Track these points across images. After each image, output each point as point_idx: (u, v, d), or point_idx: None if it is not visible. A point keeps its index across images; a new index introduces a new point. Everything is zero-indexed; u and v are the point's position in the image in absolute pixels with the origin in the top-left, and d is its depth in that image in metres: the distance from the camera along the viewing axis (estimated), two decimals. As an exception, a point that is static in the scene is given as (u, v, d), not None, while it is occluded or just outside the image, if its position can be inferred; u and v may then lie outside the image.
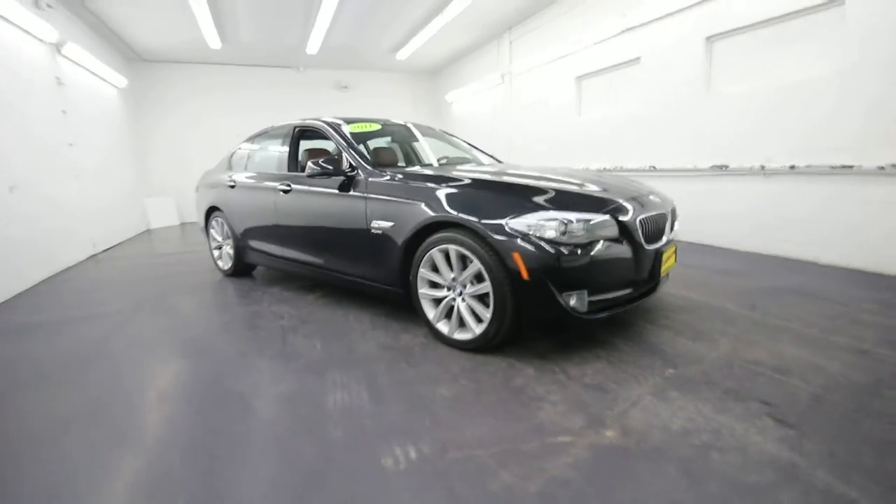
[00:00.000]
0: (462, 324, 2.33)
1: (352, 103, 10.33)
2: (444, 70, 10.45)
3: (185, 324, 3.00)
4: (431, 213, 2.33)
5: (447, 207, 2.29)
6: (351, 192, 2.80)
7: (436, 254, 2.35)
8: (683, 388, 1.88)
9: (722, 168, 4.44)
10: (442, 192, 2.37)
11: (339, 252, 2.98)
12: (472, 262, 2.20)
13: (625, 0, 5.33)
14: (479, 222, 2.14)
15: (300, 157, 3.49)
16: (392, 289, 2.68)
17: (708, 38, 4.48)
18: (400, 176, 2.64)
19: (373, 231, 2.65)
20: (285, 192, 3.33)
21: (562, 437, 1.58)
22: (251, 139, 4.18)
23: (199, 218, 4.62)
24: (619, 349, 2.27)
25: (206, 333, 2.80)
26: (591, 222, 2.06)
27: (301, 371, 2.21)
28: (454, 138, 4.05)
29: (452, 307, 2.36)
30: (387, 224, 2.57)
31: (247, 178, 3.86)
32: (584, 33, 5.99)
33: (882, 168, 3.26)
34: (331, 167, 2.83)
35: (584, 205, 2.17)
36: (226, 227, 4.12)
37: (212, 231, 4.38)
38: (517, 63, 7.63)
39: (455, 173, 2.59)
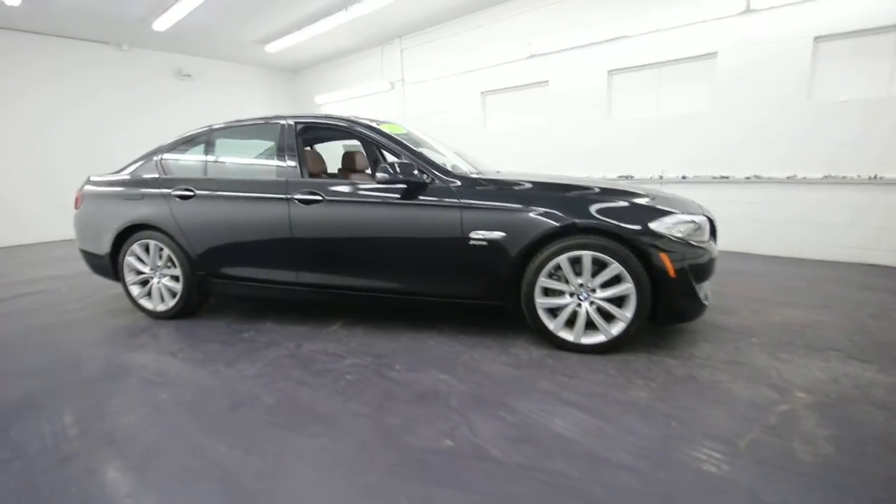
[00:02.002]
0: (585, 328, 2.38)
1: (193, 96, 8.57)
2: (313, 69, 9.66)
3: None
4: (562, 220, 2.31)
5: (594, 213, 2.30)
6: (428, 201, 2.50)
7: (563, 261, 2.33)
8: (779, 350, 2.40)
9: (627, 178, 5.51)
10: (562, 199, 2.38)
11: (408, 269, 2.61)
12: (609, 265, 2.28)
13: (530, 29, 6.04)
14: (624, 227, 2.24)
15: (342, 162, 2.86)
16: (492, 303, 2.51)
17: (610, 72, 5.50)
18: (493, 182, 2.51)
19: (472, 242, 2.43)
20: (307, 202, 2.68)
21: (779, 404, 1.86)
22: (205, 137, 3.19)
23: (96, 243, 3.27)
24: (699, 331, 2.69)
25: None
26: (703, 222, 2.40)
27: (476, 412, 1.90)
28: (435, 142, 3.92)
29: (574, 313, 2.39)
30: (495, 234, 2.40)
31: (219, 185, 2.96)
32: (489, 52, 6.50)
33: (748, 178, 4.65)
34: (407, 174, 2.47)
35: (685, 207, 2.49)
36: (165, 253, 3.02)
37: (129, 260, 3.13)
38: (411, 72, 7.69)
39: (543, 180, 2.60)
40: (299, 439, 1.72)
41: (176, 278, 3.09)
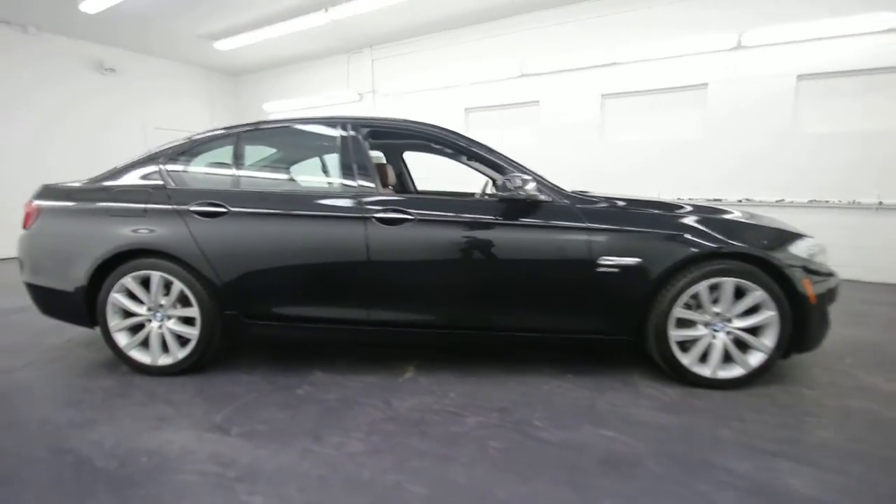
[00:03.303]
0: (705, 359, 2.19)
1: (113, 95, 7.22)
2: (263, 74, 8.73)
3: None
4: (703, 245, 2.11)
5: (736, 237, 2.13)
6: (545, 222, 2.17)
7: (703, 288, 2.13)
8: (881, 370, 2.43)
9: (622, 199, 5.62)
10: (701, 221, 2.19)
11: (521, 301, 2.22)
12: (750, 292, 2.12)
13: (522, 48, 6.01)
14: (772, 252, 2.11)
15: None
16: (617, 337, 2.22)
17: (603, 95, 5.63)
18: (619, 202, 2.25)
19: (601, 269, 2.13)
20: (390, 221, 2.18)
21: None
22: (230, 140, 2.50)
23: (59, 276, 2.38)
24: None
25: None
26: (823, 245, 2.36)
27: (694, 479, 1.58)
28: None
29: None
30: (628, 260, 2.12)
31: (265, 200, 2.32)
32: (476, 69, 6.34)
33: (740, 201, 4.97)
34: (525, 191, 2.10)
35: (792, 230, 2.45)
36: (176, 287, 2.27)
37: (115, 298, 2.30)
38: (385, 84, 7.25)
39: (664, 201, 2.43)
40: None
41: (188, 321, 2.34)
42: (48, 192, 2.51)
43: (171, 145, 2.49)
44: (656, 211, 2.26)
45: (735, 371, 2.21)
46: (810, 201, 4.67)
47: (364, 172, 2.31)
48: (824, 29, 4.35)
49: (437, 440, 1.79)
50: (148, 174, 2.43)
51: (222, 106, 8.90)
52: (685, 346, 2.21)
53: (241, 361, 2.57)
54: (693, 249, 2.12)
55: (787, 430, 1.85)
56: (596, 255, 2.14)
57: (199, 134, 2.50)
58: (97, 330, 2.42)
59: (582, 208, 2.20)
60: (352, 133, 2.39)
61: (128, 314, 2.37)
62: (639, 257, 2.13)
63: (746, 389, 2.20)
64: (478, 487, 1.51)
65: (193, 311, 2.30)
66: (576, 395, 2.17)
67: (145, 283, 2.34)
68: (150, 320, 2.36)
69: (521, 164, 2.31)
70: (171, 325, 2.35)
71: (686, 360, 2.20)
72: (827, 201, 4.58)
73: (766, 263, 2.13)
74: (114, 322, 2.35)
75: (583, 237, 2.15)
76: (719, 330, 2.20)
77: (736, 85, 4.85)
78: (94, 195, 2.43)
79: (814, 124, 4.62)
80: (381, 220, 2.19)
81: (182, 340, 2.36)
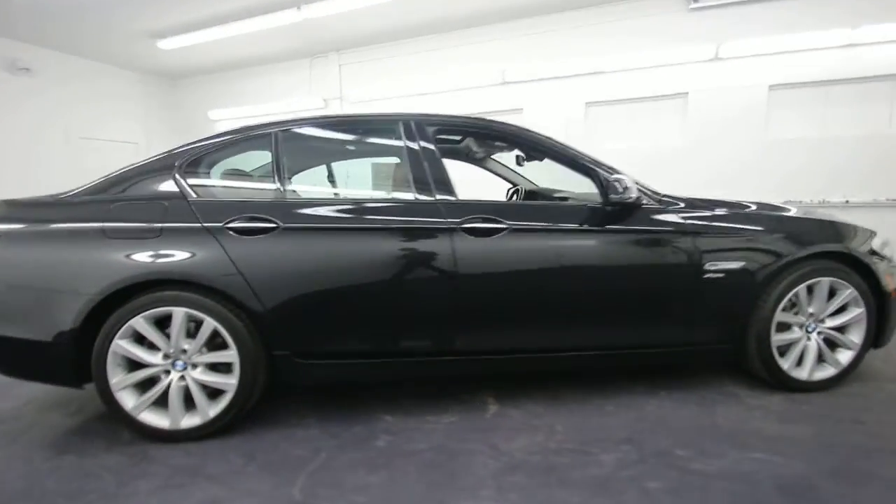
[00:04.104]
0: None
1: (28, 99, 6.08)
2: (208, 78, 7.86)
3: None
4: (805, 246, 2.04)
5: (831, 237, 2.10)
6: (646, 227, 2.00)
7: (802, 290, 2.06)
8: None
9: (609, 204, 5.69)
10: (796, 222, 2.16)
11: (625, 316, 2.02)
12: (840, 291, 2.09)
13: (504, 56, 5.92)
14: (860, 250, 2.09)
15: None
16: (718, 347, 2.09)
17: (587, 103, 5.69)
18: (713, 203, 2.14)
19: (708, 276, 1.98)
20: (481, 232, 1.87)
21: None
22: (267, 139, 2.02)
23: (32, 321, 1.78)
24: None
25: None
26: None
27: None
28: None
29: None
30: (733, 265, 2.00)
31: (326, 212, 1.90)
32: (455, 76, 6.15)
33: (723, 204, 5.21)
34: (629, 193, 1.91)
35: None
36: (207, 326, 1.77)
37: (119, 346, 1.74)
38: (354, 91, 6.81)
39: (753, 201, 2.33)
40: None
41: (220, 368, 1.84)
42: (7, 209, 1.89)
43: (187, 147, 1.98)
44: (755, 211, 2.18)
45: (828, 371, 2.16)
46: (786, 201, 5.00)
47: (439, 176, 1.98)
48: (791, 43, 4.73)
49: (585, 488, 1.50)
50: (157, 184, 1.91)
51: (160, 113, 7.88)
52: (782, 350, 2.14)
53: (279, 410, 2.09)
54: (798, 250, 2.05)
55: (917, 432, 1.81)
56: (703, 261, 2.00)
57: (222, 134, 2.02)
58: (87, 388, 1.84)
59: (682, 211, 2.05)
60: (415, 131, 2.05)
61: (135, 365, 1.82)
62: (743, 261, 2.02)
63: (839, 389, 2.17)
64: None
65: (230, 355, 1.81)
66: (686, 413, 2.00)
67: (162, 324, 1.82)
68: (167, 371, 1.83)
69: (612, 165, 2.12)
70: (198, 374, 1.83)
71: (785, 364, 2.12)
72: (800, 201, 4.94)
73: (854, 260, 2.12)
74: (117, 378, 1.78)
75: (689, 243, 1.99)
76: (812, 331, 2.15)
77: (714, 93, 5.12)
78: (79, 213, 1.86)
79: (783, 131, 5.00)
80: (469, 230, 1.88)
81: (210, 392, 1.86)
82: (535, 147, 2.20)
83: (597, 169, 2.05)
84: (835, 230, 2.17)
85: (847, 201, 4.78)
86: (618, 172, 2.03)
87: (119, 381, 1.79)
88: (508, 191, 3.36)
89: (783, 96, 4.94)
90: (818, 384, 2.15)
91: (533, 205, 2.15)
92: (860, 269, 2.12)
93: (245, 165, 2.04)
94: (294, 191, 2.03)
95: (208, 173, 2.00)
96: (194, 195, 1.89)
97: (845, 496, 1.43)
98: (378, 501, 1.47)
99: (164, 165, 1.94)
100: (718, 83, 5.08)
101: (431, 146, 2.02)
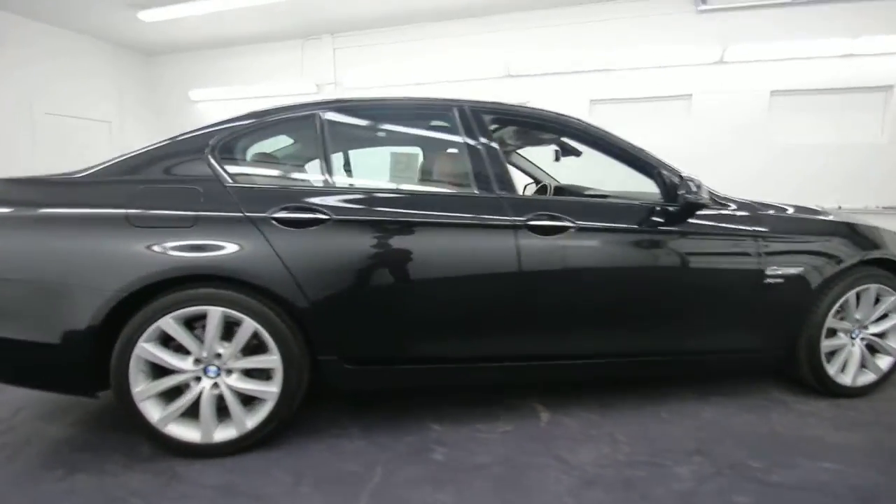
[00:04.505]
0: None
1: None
2: (189, 56, 7.33)
3: None
4: (858, 252, 2.04)
5: (875, 243, 2.10)
6: (711, 228, 1.94)
7: (852, 296, 2.06)
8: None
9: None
10: (845, 227, 2.14)
11: (686, 320, 1.96)
12: (886, 297, 2.10)
13: (508, 48, 5.80)
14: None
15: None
16: (768, 353, 2.06)
17: (592, 101, 5.65)
18: (765, 207, 2.10)
19: (768, 280, 1.94)
20: (546, 230, 1.75)
21: None
22: (310, 120, 1.80)
23: (39, 322, 1.54)
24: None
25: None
26: None
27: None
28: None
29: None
30: (791, 270, 1.96)
31: (376, 203, 1.73)
32: (457, 66, 5.97)
33: (722, 206, 5.30)
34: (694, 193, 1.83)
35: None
36: (247, 327, 1.57)
37: (144, 350, 1.52)
38: (350, 76, 6.52)
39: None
40: None
41: (258, 374, 1.65)
42: (5, 189, 1.62)
43: (219, 127, 1.75)
44: (813, 217, 2.17)
45: (869, 377, 2.17)
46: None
47: (499, 169, 1.84)
48: (794, 50, 4.83)
49: (678, 503, 1.43)
50: (188, 166, 1.69)
51: (135, 91, 7.32)
52: (827, 357, 2.13)
53: (315, 419, 1.91)
54: (854, 256, 2.04)
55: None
56: (764, 265, 1.95)
57: (259, 114, 1.80)
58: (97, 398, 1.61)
59: (744, 214, 2.00)
60: (470, 119, 1.90)
61: (162, 371, 1.61)
62: (801, 266, 1.99)
63: (877, 395, 2.19)
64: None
65: (271, 360, 1.63)
66: (742, 420, 1.95)
67: (192, 325, 1.61)
68: (198, 378, 1.63)
69: (671, 163, 2.04)
70: (234, 381, 1.64)
71: (832, 370, 2.11)
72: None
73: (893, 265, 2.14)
74: (141, 386, 1.56)
75: (753, 246, 1.94)
76: (855, 337, 2.16)
77: (718, 96, 5.18)
78: (96, 196, 1.62)
79: (784, 135, 5.12)
80: (535, 228, 1.76)
81: (245, 401, 1.67)
82: (597, 143, 2.08)
83: (661, 168, 1.97)
84: (880, 236, 2.18)
85: (840, 207, 4.95)
86: (677, 172, 1.96)
87: (143, 389, 1.57)
88: (526, 186, 3.26)
89: (784, 101, 5.05)
90: (860, 390, 2.16)
91: (598, 203, 2.04)
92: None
93: (283, 149, 1.84)
94: (340, 179, 1.85)
95: (245, 156, 1.80)
96: (230, 181, 1.68)
97: (929, 508, 1.42)
98: (455, 524, 1.35)
99: (194, 146, 1.71)
100: (722, 86, 5.15)
101: (490, 136, 1.88)
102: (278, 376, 1.65)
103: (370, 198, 1.76)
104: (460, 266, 1.73)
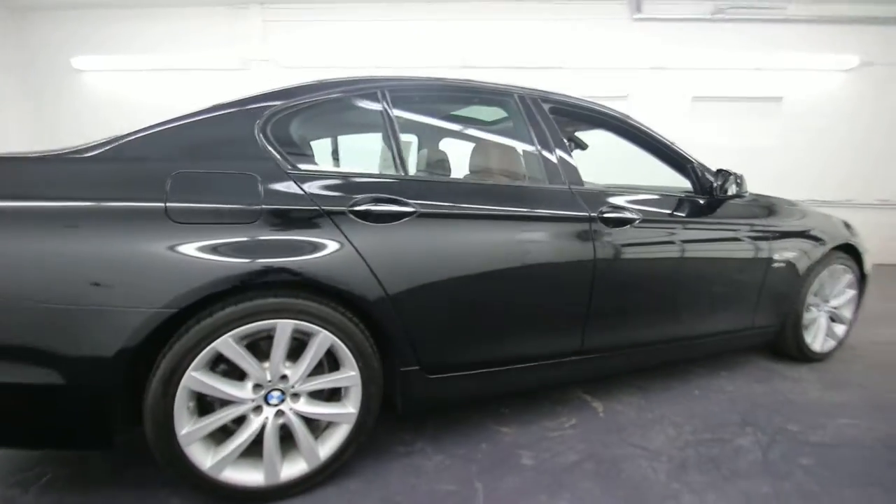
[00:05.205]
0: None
1: None
2: (78, 14, 5.94)
3: None
4: (832, 238, 2.41)
5: (842, 231, 2.50)
6: (736, 219, 2.14)
7: (826, 276, 2.42)
8: None
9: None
10: (816, 215, 2.50)
11: (711, 304, 2.14)
12: (842, 275, 2.52)
13: (464, 38, 5.72)
14: (857, 241, 2.52)
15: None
16: (769, 329, 2.33)
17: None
18: (761, 197, 2.35)
19: (775, 265, 2.19)
20: (618, 223, 1.74)
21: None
22: (372, 95, 1.58)
23: (31, 354, 1.12)
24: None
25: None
26: None
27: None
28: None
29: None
30: (789, 255, 2.24)
31: (461, 195, 1.59)
32: (409, 53, 5.74)
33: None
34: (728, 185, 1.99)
35: None
36: (319, 342, 1.32)
37: (195, 379, 1.19)
38: (284, 53, 5.87)
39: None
40: None
41: (325, 395, 1.40)
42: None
43: (267, 100, 1.42)
44: (804, 207, 2.48)
45: (830, 343, 2.58)
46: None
47: (566, 160, 1.80)
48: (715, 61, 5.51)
49: (761, 475, 1.53)
50: (229, 146, 1.34)
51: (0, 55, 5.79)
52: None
53: (375, 439, 1.68)
54: (832, 242, 2.39)
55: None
56: (773, 251, 2.19)
57: (313, 87, 1.49)
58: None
59: (754, 206, 2.22)
60: (532, 106, 1.83)
61: (210, 406, 1.28)
62: (797, 251, 2.28)
63: (837, 357, 2.60)
64: None
65: (350, 377, 1.39)
66: (759, 390, 2.19)
67: (258, 344, 1.30)
68: (259, 407, 1.33)
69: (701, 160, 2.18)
70: (302, 406, 1.37)
71: (808, 339, 2.47)
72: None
73: (851, 248, 2.56)
74: (189, 427, 1.23)
75: (763, 234, 2.17)
76: (821, 310, 2.55)
77: (650, 97, 5.70)
78: (117, 181, 1.21)
79: (702, 137, 5.84)
80: (608, 220, 1.75)
81: (316, 429, 1.41)
82: (637, 138, 2.13)
83: (694, 162, 2.10)
84: (844, 224, 2.59)
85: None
86: (695, 166, 2.12)
87: (193, 430, 1.24)
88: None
89: (703, 107, 5.75)
90: (825, 355, 2.56)
91: (655, 196, 2.07)
92: (854, 257, 2.57)
93: (344, 130, 1.56)
94: (414, 168, 1.64)
95: (303, 137, 1.49)
96: (290, 166, 1.39)
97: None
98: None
99: (239, 122, 1.37)
100: (654, 90, 5.69)
101: (554, 125, 1.83)
102: (355, 395, 1.42)
103: (457, 188, 1.62)
104: (544, 260, 1.65)
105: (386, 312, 1.41)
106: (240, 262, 1.23)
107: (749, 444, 1.73)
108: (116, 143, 1.27)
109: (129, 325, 1.14)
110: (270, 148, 1.39)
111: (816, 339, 2.51)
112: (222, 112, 1.40)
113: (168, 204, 1.20)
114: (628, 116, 2.15)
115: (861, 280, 2.61)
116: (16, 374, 1.13)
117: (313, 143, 1.61)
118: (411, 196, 1.46)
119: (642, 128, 2.12)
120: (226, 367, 1.32)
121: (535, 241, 1.64)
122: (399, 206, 1.43)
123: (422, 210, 1.46)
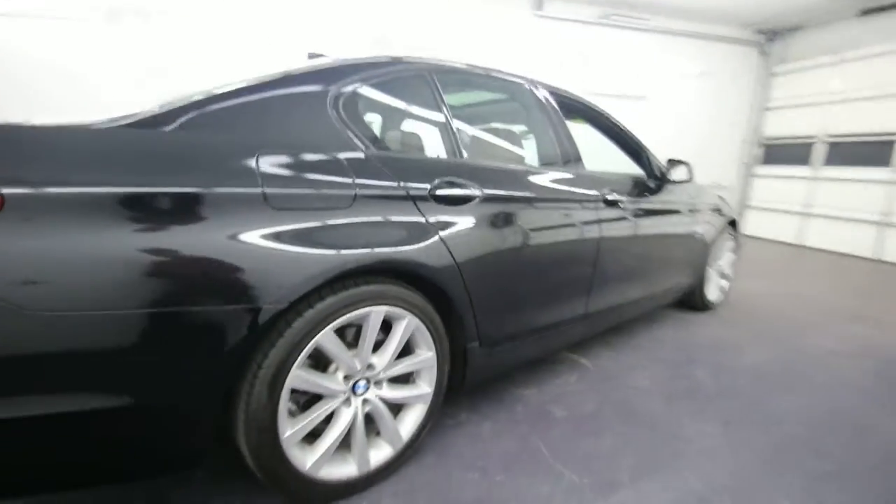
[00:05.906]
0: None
1: None
2: None
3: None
4: (728, 211, 3.11)
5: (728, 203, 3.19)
6: (674, 200, 2.58)
7: (721, 240, 3.11)
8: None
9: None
10: (704, 189, 3.14)
11: (660, 272, 2.61)
12: (726, 240, 3.26)
13: (377, 15, 5.52)
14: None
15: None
16: (692, 285, 2.97)
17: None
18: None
19: (698, 234, 2.75)
20: (611, 203, 2.02)
21: None
22: (421, 79, 1.55)
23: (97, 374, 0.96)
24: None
25: None
26: None
27: None
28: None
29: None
30: (708, 226, 2.83)
31: (515, 180, 1.74)
32: (314, 31, 5.34)
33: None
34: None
35: None
36: (405, 326, 1.32)
37: (300, 377, 1.12)
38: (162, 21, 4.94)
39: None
40: None
41: (403, 380, 1.40)
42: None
43: (329, 72, 1.31)
44: (703, 187, 3.08)
45: (717, 295, 3.35)
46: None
47: (574, 146, 2.02)
48: (607, 62, 6.32)
49: (724, 393, 2.01)
50: (301, 123, 1.21)
51: None
52: (704, 286, 3.19)
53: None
54: (729, 215, 3.08)
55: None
56: (698, 223, 2.76)
57: (373, 64, 1.39)
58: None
59: (689, 187, 2.74)
60: (540, 98, 2.00)
61: (316, 398, 1.19)
62: (710, 222, 2.90)
63: (723, 306, 3.39)
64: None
65: (427, 358, 1.42)
66: (683, 333, 2.80)
67: (344, 333, 1.24)
68: (348, 398, 1.27)
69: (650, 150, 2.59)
70: (385, 391, 1.36)
71: (707, 291, 3.17)
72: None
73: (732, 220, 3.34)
74: (291, 429, 1.13)
75: (693, 209, 2.72)
76: (713, 269, 3.28)
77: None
78: (199, 165, 1.02)
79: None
80: (606, 202, 2.02)
81: (394, 410, 1.41)
82: (610, 129, 2.44)
83: (647, 151, 2.53)
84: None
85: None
86: (647, 154, 2.57)
87: (294, 431, 1.15)
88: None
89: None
90: (717, 304, 3.33)
91: (624, 180, 2.36)
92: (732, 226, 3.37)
93: (402, 111, 1.50)
94: (475, 147, 1.68)
95: (371, 116, 1.39)
96: (365, 146, 1.31)
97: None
98: (644, 460, 1.56)
99: (309, 96, 1.23)
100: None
101: (558, 114, 2.03)
102: (429, 375, 1.46)
103: (508, 173, 1.72)
104: (575, 237, 1.89)
105: (460, 293, 1.46)
106: (355, 252, 1.17)
107: (703, 375, 2.23)
108: (157, 111, 1.07)
109: (244, 319, 1.01)
110: (346, 126, 1.30)
111: (712, 293, 3.26)
112: (294, 87, 1.26)
113: (266, 189, 1.07)
114: (601, 108, 2.46)
115: (736, 244, 3.44)
116: (102, 399, 0.92)
117: (388, 125, 1.53)
118: (476, 180, 1.52)
119: (613, 119, 2.45)
120: (310, 362, 1.24)
121: (570, 220, 1.87)
122: (467, 190, 1.48)
123: (486, 193, 1.53)
